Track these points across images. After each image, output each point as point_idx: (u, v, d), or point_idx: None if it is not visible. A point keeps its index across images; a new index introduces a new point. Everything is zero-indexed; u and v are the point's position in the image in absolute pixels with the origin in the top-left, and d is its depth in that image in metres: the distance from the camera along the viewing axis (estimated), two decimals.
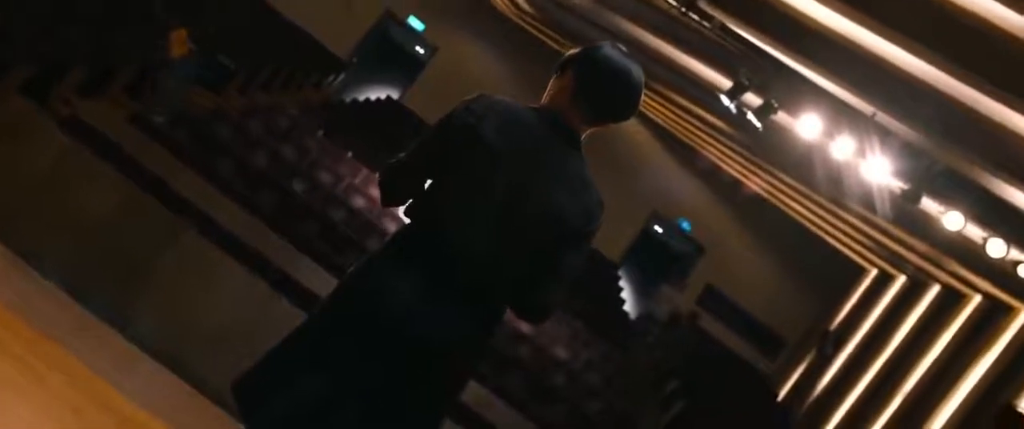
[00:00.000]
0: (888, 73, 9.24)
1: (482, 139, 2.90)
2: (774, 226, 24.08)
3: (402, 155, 3.02)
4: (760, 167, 19.78)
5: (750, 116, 12.63)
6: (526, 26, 22.70)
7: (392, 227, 12.41)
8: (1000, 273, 13.55)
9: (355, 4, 23.44)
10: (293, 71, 19.38)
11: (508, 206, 2.89)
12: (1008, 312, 15.74)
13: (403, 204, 3.05)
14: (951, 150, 10.68)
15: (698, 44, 13.62)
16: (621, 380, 14.26)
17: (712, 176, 24.93)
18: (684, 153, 25.05)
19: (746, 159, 20.15)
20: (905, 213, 13.55)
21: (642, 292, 25.05)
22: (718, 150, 21.80)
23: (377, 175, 3.13)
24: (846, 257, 23.18)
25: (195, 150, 11.53)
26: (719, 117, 16.51)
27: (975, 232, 12.00)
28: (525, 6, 20.16)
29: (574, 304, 15.33)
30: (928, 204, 11.91)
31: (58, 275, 5.69)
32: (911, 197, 11.38)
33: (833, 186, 14.94)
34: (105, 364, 4.26)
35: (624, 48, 3.05)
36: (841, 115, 11.69)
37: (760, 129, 12.92)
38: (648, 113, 23.39)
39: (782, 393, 22.26)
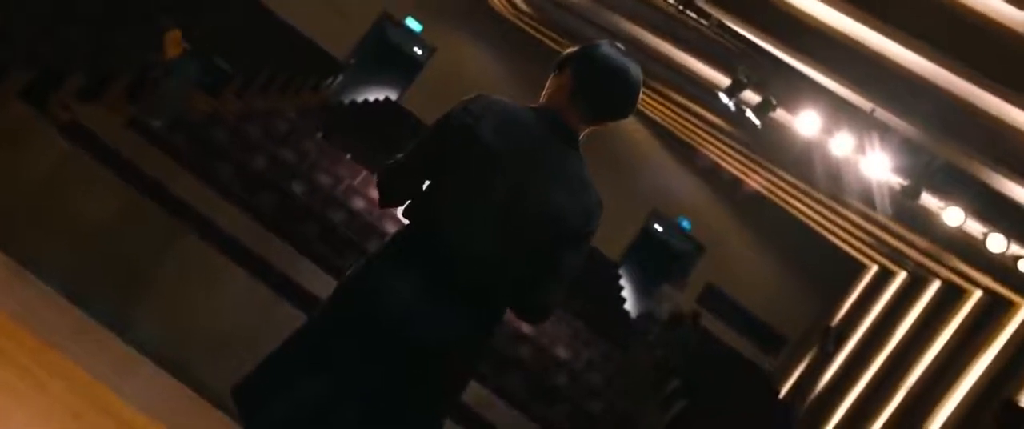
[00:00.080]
0: (887, 69, 9.24)
1: (480, 139, 2.89)
2: (774, 224, 24.08)
3: (400, 156, 3.02)
4: (759, 165, 19.78)
5: (749, 114, 12.63)
6: (524, 26, 22.70)
7: (392, 228, 12.41)
8: (1000, 268, 13.55)
9: (349, 10, 23.41)
10: (291, 74, 19.37)
11: (507, 206, 2.89)
12: (1009, 307, 15.74)
13: (402, 205, 3.05)
14: (950, 145, 10.68)
15: (696, 42, 13.62)
16: (622, 380, 14.26)
17: (712, 174, 24.92)
18: (683, 152, 25.05)
19: (745, 157, 20.15)
20: (905, 209, 13.55)
21: (643, 291, 25.04)
22: (717, 148, 21.80)
23: (375, 176, 3.13)
24: (846, 254, 23.18)
25: (194, 154, 11.53)
26: (718, 115, 16.51)
27: (975, 227, 12.00)
28: (523, 6, 20.16)
29: (574, 304, 15.33)
30: (928, 200, 11.92)
31: (58, 280, 5.68)
32: (911, 193, 11.39)
33: (833, 183, 14.93)
34: (105, 369, 4.26)
35: (622, 46, 3.05)
36: (840, 112, 11.70)
37: (759, 127, 12.92)
38: (647, 112, 23.39)
39: (784, 391, 22.26)
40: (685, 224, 25.22)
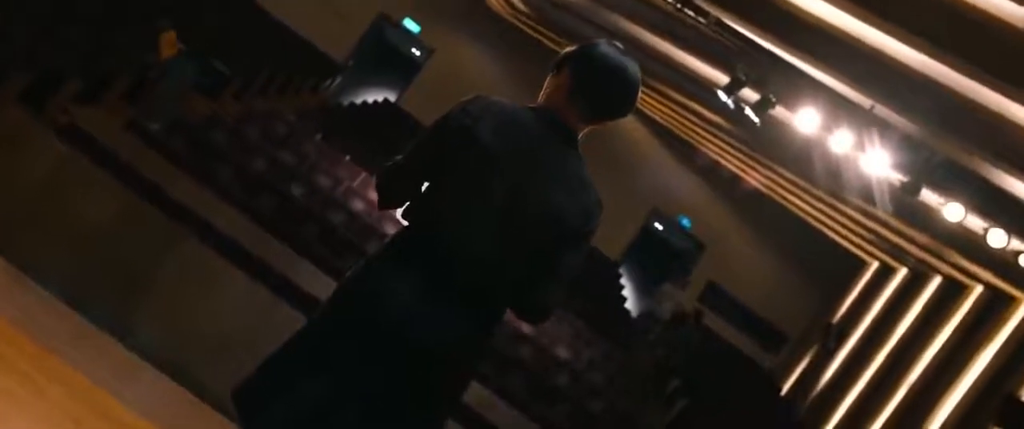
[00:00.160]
0: (886, 66, 9.23)
1: (478, 140, 2.88)
2: (774, 221, 24.07)
3: (399, 157, 3.01)
4: (759, 162, 19.78)
5: (748, 111, 12.62)
6: (522, 26, 22.69)
7: (391, 230, 12.40)
8: (1001, 263, 13.54)
9: (346, 11, 23.40)
10: (289, 76, 19.36)
11: (506, 207, 2.88)
12: (1010, 302, 15.73)
13: (401, 206, 3.04)
14: (950, 141, 10.67)
15: (694, 40, 13.61)
16: (623, 379, 14.25)
17: (711, 172, 24.92)
18: (683, 150, 25.04)
19: (745, 154, 20.15)
20: (905, 205, 13.54)
21: (643, 290, 25.03)
22: (717, 146, 21.80)
23: (374, 178, 3.12)
24: (847, 251, 23.18)
25: (193, 157, 11.52)
26: (717, 113, 16.50)
27: (976, 223, 11.99)
28: (521, 6, 20.15)
29: (575, 303, 15.32)
30: (928, 196, 11.90)
31: (57, 284, 5.67)
32: (911, 189, 11.37)
33: (832, 180, 14.92)
34: (106, 374, 4.25)
35: (620, 45, 3.04)
36: (839, 109, 11.68)
37: (758, 124, 12.91)
38: (646, 110, 23.39)
39: (785, 388, 22.25)
40: (685, 222, 25.21)
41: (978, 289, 16.97)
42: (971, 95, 8.65)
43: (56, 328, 4.38)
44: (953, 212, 11.40)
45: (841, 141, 11.72)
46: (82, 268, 8.62)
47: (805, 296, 24.03)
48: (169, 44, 12.58)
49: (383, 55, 25.44)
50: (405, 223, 3.02)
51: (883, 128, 11.25)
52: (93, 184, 9.25)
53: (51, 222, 9.01)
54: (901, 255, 19.47)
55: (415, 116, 22.35)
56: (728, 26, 11.92)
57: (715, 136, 20.36)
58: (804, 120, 11.95)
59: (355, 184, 13.70)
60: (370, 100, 24.41)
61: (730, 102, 12.54)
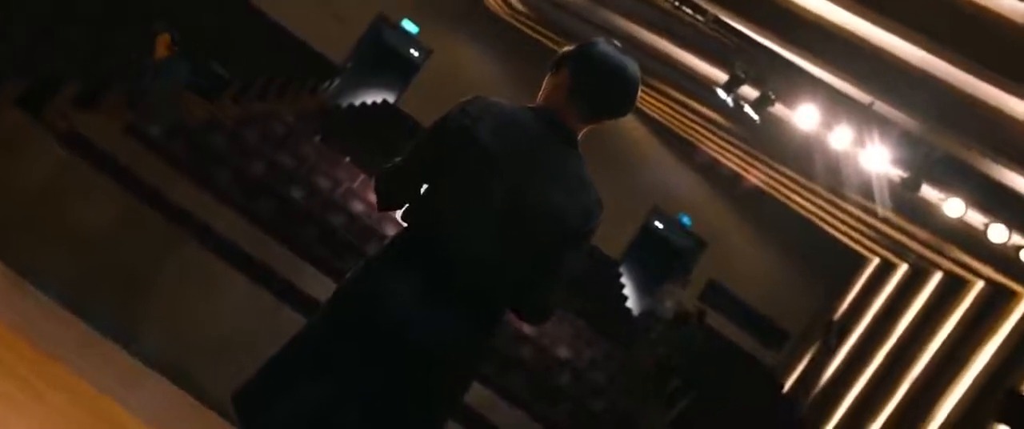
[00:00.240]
0: (884, 62, 9.22)
1: (478, 141, 2.88)
2: (775, 218, 24.06)
3: (398, 159, 3.00)
4: (759, 159, 19.77)
5: (747, 109, 12.62)
6: (521, 26, 22.68)
7: (391, 231, 12.39)
8: (1002, 258, 13.53)
9: (344, 12, 23.39)
10: (288, 78, 19.35)
11: (505, 208, 2.87)
12: (1011, 297, 15.72)
13: (400, 208, 3.03)
14: (950, 137, 10.66)
15: (693, 38, 13.60)
16: (624, 378, 14.24)
17: (711, 170, 24.90)
18: (683, 148, 25.03)
19: (745, 152, 20.14)
20: (905, 201, 13.53)
21: (644, 289, 25.02)
22: (716, 144, 21.78)
23: (373, 180, 3.11)
24: (847, 247, 23.16)
25: (192, 160, 11.51)
26: (716, 111, 16.49)
27: (976, 218, 11.98)
28: (519, 6, 20.14)
29: (576, 302, 15.31)
30: (928, 191, 11.89)
31: (57, 290, 5.66)
32: (911, 185, 11.36)
33: (832, 176, 14.91)
34: (109, 380, 4.24)
35: (619, 44, 3.03)
36: (838, 105, 11.67)
37: (757, 122, 12.90)
38: (645, 109, 23.38)
39: (787, 385, 22.24)
40: (685, 221, 25.20)
41: (979, 285, 16.96)
42: (970, 90, 8.64)
43: (60, 336, 4.37)
44: (953, 207, 11.38)
45: (840, 138, 11.71)
46: (82, 273, 8.61)
47: (806, 293, 24.01)
48: (164, 45, 12.61)
49: (381, 56, 25.42)
50: (405, 224, 3.02)
51: (882, 124, 11.24)
52: (92, 188, 9.24)
53: (50, 227, 9.00)
54: (902, 251, 19.46)
55: (414, 117, 22.33)
56: (726, 24, 11.91)
57: (715, 134, 20.35)
58: (803, 117, 11.94)
59: (355, 185, 13.70)
60: (369, 101, 24.40)
61: (729, 100, 12.53)
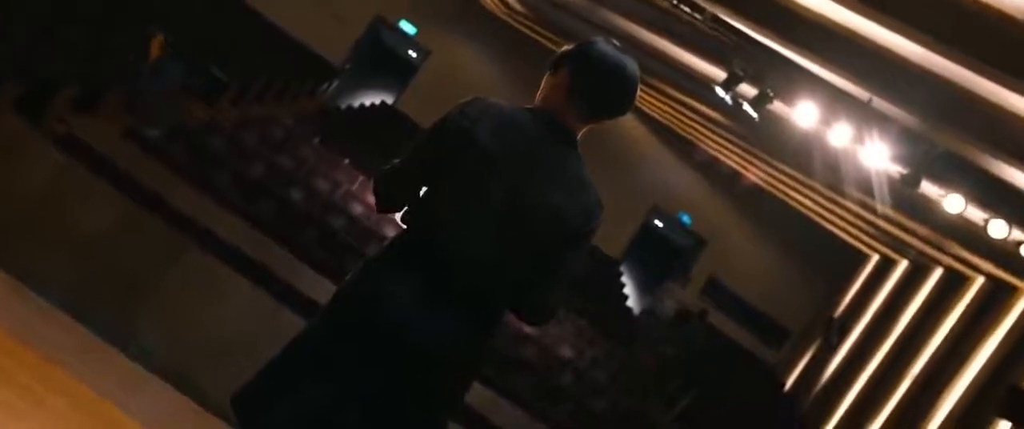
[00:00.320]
0: (883, 58, 9.21)
1: (477, 142, 2.87)
2: (774, 216, 24.06)
3: (397, 161, 3.00)
4: (758, 157, 19.76)
5: (746, 107, 12.61)
6: (519, 26, 22.68)
7: (391, 232, 12.39)
8: (1002, 254, 13.52)
9: (342, 14, 23.38)
10: (286, 80, 19.35)
11: (504, 209, 2.87)
12: (1012, 292, 15.72)
13: (399, 210, 3.03)
14: (949, 133, 10.65)
15: (691, 37, 13.59)
16: (625, 377, 14.24)
17: (711, 169, 24.90)
18: (682, 147, 25.03)
19: (744, 150, 20.13)
20: (905, 198, 13.52)
21: (645, 288, 25.02)
22: (716, 142, 21.78)
23: (372, 182, 3.11)
24: (848, 244, 23.16)
25: (191, 164, 11.50)
26: (715, 109, 16.48)
27: (976, 214, 11.97)
28: (516, 6, 20.13)
29: (577, 302, 15.31)
30: (928, 188, 11.89)
31: (57, 295, 5.66)
32: (910, 181, 11.35)
33: (832, 173, 14.91)
34: (111, 386, 4.24)
35: (618, 43, 3.02)
36: (837, 102, 11.66)
37: (756, 119, 12.89)
38: (644, 108, 23.37)
39: (789, 383, 22.24)
40: (685, 219, 25.20)
41: (980, 280, 16.96)
42: (969, 86, 8.63)
43: (60, 340, 4.37)
44: (953, 204, 11.38)
45: (840, 135, 11.70)
46: (82, 278, 8.60)
47: (807, 290, 24.01)
48: (158, 47, 12.66)
49: (380, 57, 25.41)
50: (404, 226, 3.01)
51: (882, 121, 11.23)
52: (91, 193, 9.23)
53: (49, 232, 8.99)
54: (902, 248, 19.46)
55: (413, 118, 22.33)
56: (724, 22, 11.91)
57: (714, 132, 20.35)
58: (802, 114, 11.93)
59: (354, 187, 13.69)
60: (367, 103, 24.40)
61: (728, 98, 12.53)
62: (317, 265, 10.48)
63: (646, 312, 23.63)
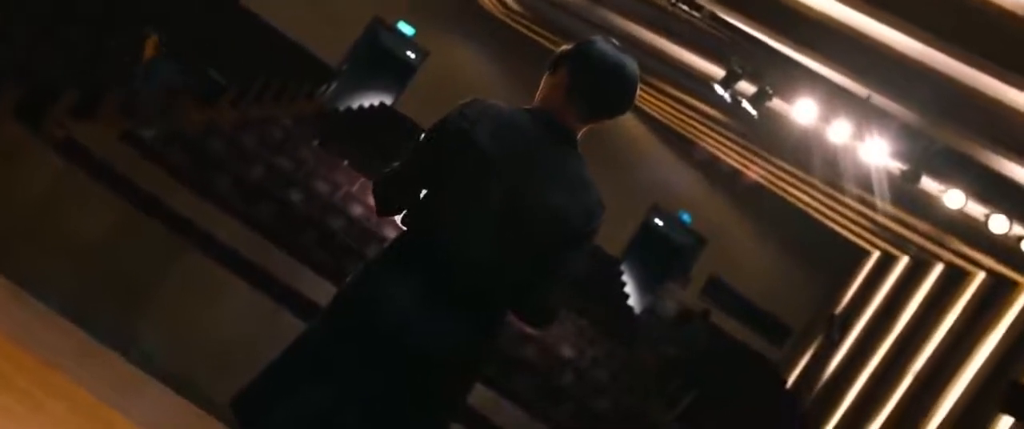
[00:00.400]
0: (882, 54, 9.20)
1: (476, 144, 2.86)
2: (775, 213, 24.05)
3: (396, 164, 2.99)
4: (758, 155, 19.75)
5: (745, 104, 12.60)
6: (517, 26, 22.67)
7: (392, 234, 12.38)
8: (1003, 249, 13.52)
9: (340, 15, 23.37)
10: (285, 82, 19.34)
11: (503, 210, 2.86)
12: (1013, 288, 15.71)
13: (399, 213, 3.02)
14: (949, 128, 10.65)
15: (689, 35, 13.58)
16: (626, 376, 14.22)
17: (710, 167, 24.89)
18: (681, 145, 25.02)
19: (744, 148, 20.12)
20: (905, 194, 13.52)
21: (645, 287, 25.02)
22: (715, 140, 21.77)
23: (372, 185, 3.10)
24: (848, 241, 23.15)
25: (190, 166, 11.50)
26: (714, 107, 16.48)
27: (976, 209, 11.96)
28: (514, 5, 20.12)
29: (577, 301, 15.30)
30: (928, 184, 11.88)
31: (57, 299, 5.65)
32: (910, 177, 11.35)
33: (831, 170, 14.90)
34: (110, 390, 4.23)
35: (617, 42, 3.01)
36: (836, 99, 11.65)
37: (755, 117, 12.89)
38: (644, 107, 23.36)
39: (791, 380, 22.22)
40: (685, 218, 25.19)
41: (981, 276, 16.95)
42: (969, 82, 8.62)
43: (59, 345, 4.36)
44: (953, 199, 11.37)
45: (839, 131, 11.69)
46: (82, 282, 8.59)
47: (807, 288, 24.01)
48: (152, 47, 12.71)
49: (378, 59, 25.41)
50: (404, 228, 3.01)
51: (881, 117, 11.22)
52: (91, 197, 9.22)
53: (49, 237, 8.98)
54: (902, 244, 19.45)
55: (412, 119, 22.32)
56: (722, 19, 11.90)
57: (713, 130, 20.34)
58: (801, 111, 11.92)
59: (353, 189, 13.68)
60: (366, 104, 24.40)
61: (727, 96, 12.52)
62: (317, 267, 10.47)
63: (647, 311, 23.62)
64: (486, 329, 2.95)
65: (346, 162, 15.41)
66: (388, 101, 25.06)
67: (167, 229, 9.31)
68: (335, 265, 11.00)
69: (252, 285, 9.14)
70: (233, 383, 3.05)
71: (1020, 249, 12.11)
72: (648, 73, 16.80)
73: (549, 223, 2.87)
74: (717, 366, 18.04)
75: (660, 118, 24.05)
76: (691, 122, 21.43)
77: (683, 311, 20.54)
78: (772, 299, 24.12)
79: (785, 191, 22.07)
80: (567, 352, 13.26)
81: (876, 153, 11.59)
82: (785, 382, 21.90)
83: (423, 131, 3.01)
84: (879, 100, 11.03)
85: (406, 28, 24.71)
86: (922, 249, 18.42)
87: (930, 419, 15.58)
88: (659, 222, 25.59)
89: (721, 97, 12.79)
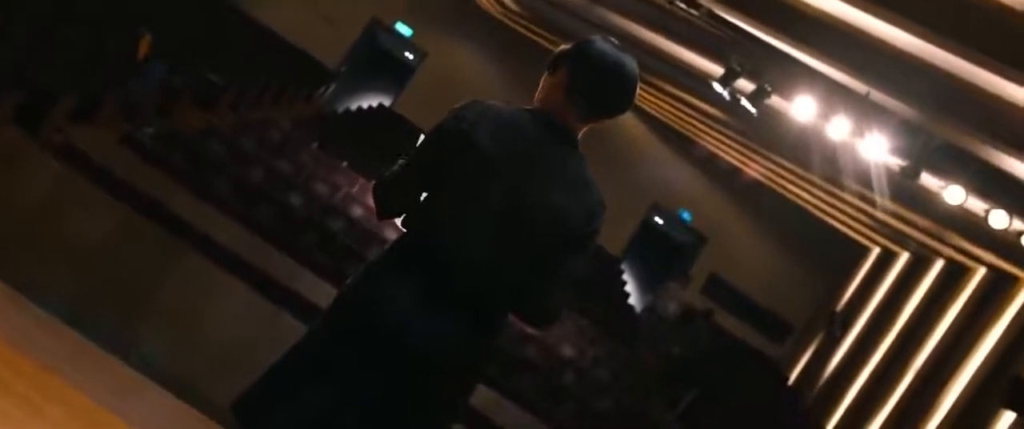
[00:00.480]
0: (880, 50, 9.19)
1: (475, 145, 2.86)
2: (774, 211, 24.05)
3: (396, 167, 2.98)
4: (757, 152, 19.75)
5: (744, 102, 12.60)
6: (515, 26, 22.66)
7: (392, 235, 12.37)
8: (1003, 244, 13.50)
9: (337, 17, 23.37)
10: (283, 84, 19.34)
11: (502, 211, 2.85)
12: (1014, 283, 15.70)
13: (399, 216, 3.01)
14: (948, 124, 10.63)
15: (687, 33, 13.58)
16: (628, 376, 14.21)
17: (710, 165, 24.89)
18: (681, 144, 25.02)
19: (743, 145, 20.12)
20: (905, 190, 13.50)
21: (646, 285, 25.01)
22: (714, 138, 21.77)
23: (372, 188, 3.10)
24: (848, 237, 23.14)
25: (189, 170, 11.49)
26: (713, 105, 16.47)
27: (977, 205, 11.95)
28: (512, 5, 20.12)
29: (578, 301, 15.29)
30: (928, 179, 11.87)
31: (57, 304, 5.64)
32: (910, 174, 11.33)
33: (831, 167, 14.89)
34: (109, 394, 4.22)
35: (616, 41, 3.00)
36: (835, 96, 11.64)
37: (754, 114, 12.88)
38: (643, 106, 23.35)
39: (792, 377, 22.22)
40: (685, 216, 25.18)
41: (981, 271, 16.94)
42: (968, 77, 8.61)
43: (57, 348, 4.36)
44: (953, 195, 11.35)
45: (838, 128, 11.68)
46: (82, 286, 8.58)
47: (808, 285, 24.00)
48: (145, 47, 12.74)
49: (376, 60, 25.41)
50: (404, 229, 3.00)
51: (880, 113, 11.21)
52: (90, 201, 9.22)
53: (49, 241, 8.98)
54: (903, 240, 19.44)
55: (411, 120, 22.31)
56: (720, 17, 11.88)
57: (712, 128, 20.33)
58: (800, 108, 11.91)
59: (353, 190, 13.68)
60: (365, 106, 24.40)
61: (725, 93, 12.51)
62: (317, 269, 10.47)
63: (648, 310, 23.62)
64: (487, 330, 2.95)
65: (345, 163, 15.40)
66: (387, 102, 25.05)
67: (166, 232, 9.30)
68: (335, 267, 10.99)
69: (252, 287, 9.14)
70: (233, 385, 3.04)
71: (1020, 244, 12.09)
72: (647, 72, 16.79)
73: (550, 223, 2.87)
74: (719, 365, 18.03)
75: (659, 116, 24.04)
76: (690, 120, 21.43)
77: (686, 310, 20.52)
78: (772, 296, 24.12)
79: (785, 188, 22.06)
80: (568, 352, 13.25)
81: (875, 149, 11.57)
82: (787, 380, 21.89)
83: (422, 132, 3.01)
84: (878, 96, 11.02)
85: (404, 29, 24.71)
86: (922, 245, 18.41)
87: (932, 415, 15.57)
88: (659, 220, 25.58)
89: (720, 95, 12.79)
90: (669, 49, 15.20)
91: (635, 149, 24.69)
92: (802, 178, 18.98)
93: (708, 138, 22.43)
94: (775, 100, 12.72)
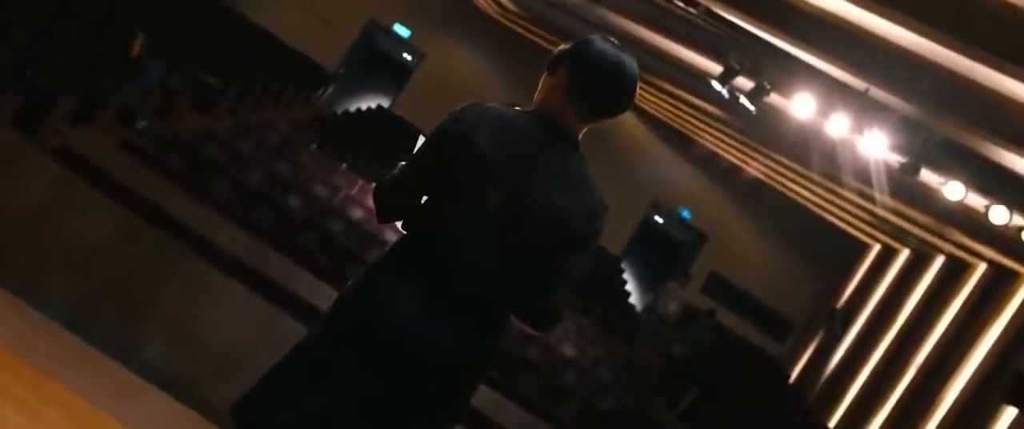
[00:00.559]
0: (880, 47, 9.18)
1: (476, 148, 2.84)
2: (774, 209, 24.05)
3: (396, 170, 2.97)
4: (757, 150, 19.74)
5: (743, 100, 12.59)
6: (513, 26, 22.65)
7: (392, 237, 12.36)
8: (1004, 240, 13.50)
9: (335, 18, 23.36)
10: (282, 87, 19.33)
11: (503, 212, 2.84)
12: (1014, 279, 15.70)
13: (399, 219, 3.00)
14: (947, 120, 10.63)
15: (686, 32, 13.57)
16: (629, 375, 14.20)
17: (710, 163, 24.88)
18: (680, 142, 25.01)
19: (743, 143, 20.11)
20: (905, 186, 13.50)
21: (646, 284, 25.00)
22: (714, 137, 21.76)
23: (372, 192, 3.09)
24: (848, 234, 23.13)
25: (188, 172, 11.48)
26: (713, 103, 16.46)
27: (977, 201, 11.94)
28: (510, 5, 20.11)
29: (579, 300, 15.27)
30: (928, 176, 11.86)
31: (56, 308, 5.63)
32: (910, 170, 11.33)
33: (831, 164, 14.89)
34: (106, 397, 4.21)
35: (615, 41, 2.99)
36: (834, 93, 11.64)
37: (754, 112, 12.87)
38: (642, 105, 23.35)
39: (793, 375, 22.21)
40: (685, 214, 25.17)
41: (982, 267, 16.93)
42: (967, 73, 8.60)
43: (55, 352, 4.34)
44: (954, 191, 11.35)
45: (838, 125, 11.68)
46: (81, 290, 8.57)
47: (809, 282, 24.00)
48: (139, 47, 12.76)
49: (374, 61, 25.40)
50: (405, 232, 2.99)
51: (880, 110, 11.21)
52: (89, 204, 9.20)
53: (48, 244, 8.96)
54: (903, 236, 19.44)
55: (410, 121, 22.30)
56: (718, 15, 11.88)
57: (712, 126, 20.32)
58: (800, 106, 11.91)
59: (352, 192, 13.66)
60: (363, 107, 24.39)
61: (725, 91, 12.51)
62: (317, 271, 10.45)
63: (648, 309, 23.61)
64: (488, 332, 2.93)
65: (344, 165, 15.39)
66: (385, 103, 25.04)
67: (165, 235, 9.28)
68: (335, 269, 10.97)
69: (251, 290, 9.12)
70: (233, 388, 3.03)
71: (1021, 240, 12.09)
72: (646, 71, 16.77)
73: (551, 224, 2.86)
74: (720, 363, 18.02)
75: (659, 115, 24.04)
76: (689, 119, 21.42)
77: (689, 310, 20.52)
78: (773, 294, 24.11)
79: (785, 186, 22.05)
80: (569, 352, 13.24)
81: (875, 146, 11.57)
82: (788, 377, 21.88)
83: (421, 133, 3.00)
84: (877, 93, 11.01)
85: (402, 30, 24.70)
86: (923, 241, 18.41)
87: (934, 411, 15.56)
88: (659, 219, 25.57)
89: (719, 93, 12.78)
90: (668, 48, 15.20)
91: (635, 148, 24.69)
92: (802, 176, 18.97)
93: (708, 136, 22.43)
94: (774, 98, 12.72)
